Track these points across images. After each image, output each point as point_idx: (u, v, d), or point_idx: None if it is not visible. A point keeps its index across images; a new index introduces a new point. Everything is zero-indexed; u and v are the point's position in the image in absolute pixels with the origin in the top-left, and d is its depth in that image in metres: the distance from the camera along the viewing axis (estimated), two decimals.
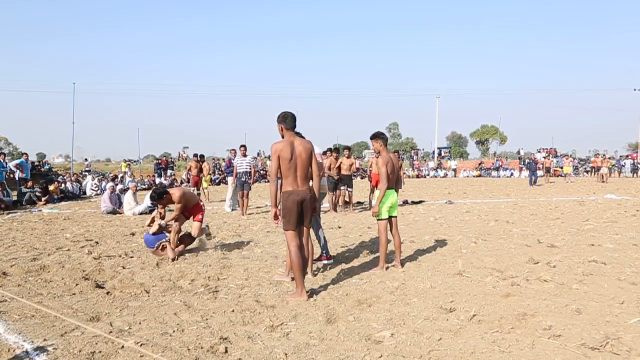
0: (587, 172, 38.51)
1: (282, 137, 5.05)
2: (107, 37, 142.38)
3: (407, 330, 3.96)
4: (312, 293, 5.06)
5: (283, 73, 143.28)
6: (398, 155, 15.25)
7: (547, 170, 29.11)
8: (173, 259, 6.73)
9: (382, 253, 6.05)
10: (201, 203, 7.67)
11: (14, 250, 7.75)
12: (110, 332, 3.95)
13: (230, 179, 13.98)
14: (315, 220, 6.14)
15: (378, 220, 6.08)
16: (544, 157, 36.48)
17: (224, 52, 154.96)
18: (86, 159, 42.48)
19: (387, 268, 6.08)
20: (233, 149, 14.61)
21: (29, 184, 16.53)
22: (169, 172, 31.82)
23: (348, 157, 13.43)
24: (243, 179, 12.59)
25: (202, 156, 18.94)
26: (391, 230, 6.23)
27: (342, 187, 13.16)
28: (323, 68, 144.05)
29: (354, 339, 3.80)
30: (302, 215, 5.00)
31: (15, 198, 15.84)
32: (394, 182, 6.16)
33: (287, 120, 4.99)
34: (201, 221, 7.42)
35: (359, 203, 15.05)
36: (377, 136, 6.16)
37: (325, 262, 6.39)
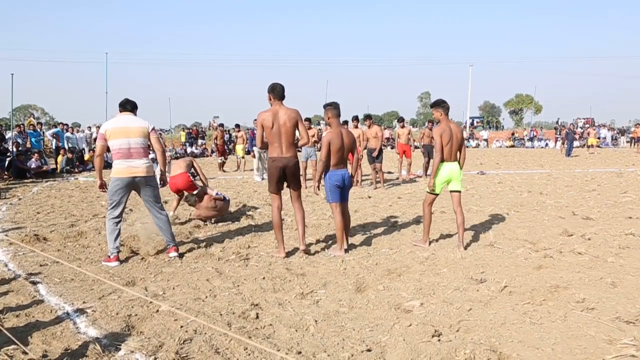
0: (627, 142, 37.11)
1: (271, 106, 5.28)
2: (138, 5, 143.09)
3: (437, 300, 3.96)
4: (343, 262, 5.11)
5: (313, 42, 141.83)
6: (432, 125, 14.79)
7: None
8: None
9: (426, 226, 5.78)
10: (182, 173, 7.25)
11: (53, 216, 8.02)
12: (146, 296, 4.07)
13: (256, 149, 13.89)
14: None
15: (427, 192, 5.72)
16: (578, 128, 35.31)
17: (255, 21, 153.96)
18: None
19: (430, 243, 5.79)
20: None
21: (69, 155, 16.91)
22: (199, 141, 32.15)
23: (370, 127, 12.00)
24: None
25: (237, 125, 19.04)
26: (454, 207, 5.73)
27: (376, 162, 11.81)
28: (353, 37, 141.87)
29: (383, 307, 3.82)
30: (285, 180, 5.36)
31: (53, 166, 16.31)
32: (453, 154, 5.61)
33: (276, 91, 5.24)
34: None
35: (389, 172, 14.96)
36: (437, 104, 5.67)
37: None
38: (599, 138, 33.40)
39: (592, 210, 8.00)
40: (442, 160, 5.57)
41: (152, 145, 5.35)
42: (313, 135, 11.67)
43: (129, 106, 5.37)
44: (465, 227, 5.80)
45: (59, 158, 16.62)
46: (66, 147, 17.80)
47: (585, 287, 4.21)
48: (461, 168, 5.74)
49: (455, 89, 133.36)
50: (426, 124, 15.30)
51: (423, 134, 14.02)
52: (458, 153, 5.71)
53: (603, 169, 16.73)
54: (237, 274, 4.79)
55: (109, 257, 5.17)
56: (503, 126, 56.29)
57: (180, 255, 5.40)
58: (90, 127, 23.73)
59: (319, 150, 5.48)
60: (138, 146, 5.20)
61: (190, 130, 34.44)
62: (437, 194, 5.69)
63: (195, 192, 7.21)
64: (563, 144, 28.57)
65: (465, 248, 5.60)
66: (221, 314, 3.71)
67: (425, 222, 5.81)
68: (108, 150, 5.25)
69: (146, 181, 5.26)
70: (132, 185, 5.22)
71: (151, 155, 6.04)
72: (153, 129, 5.35)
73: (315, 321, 3.54)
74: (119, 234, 5.24)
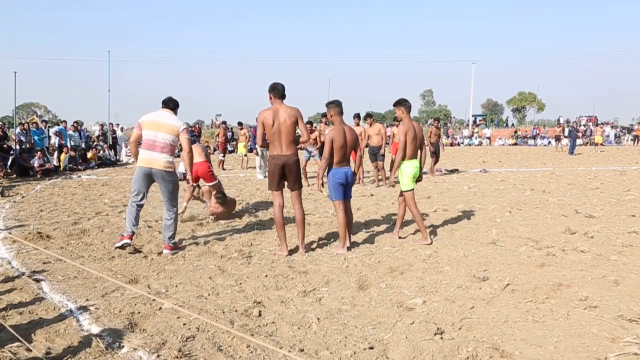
0: (631, 140, 37.08)
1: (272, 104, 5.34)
2: (141, 3, 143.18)
3: (439, 298, 3.96)
4: (345, 259, 5.11)
5: (316, 41, 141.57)
6: (438, 123, 14.80)
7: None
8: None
9: (420, 224, 5.83)
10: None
11: (56, 214, 8.04)
12: (149, 294, 4.08)
13: (258, 147, 13.84)
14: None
15: (405, 192, 5.85)
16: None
17: (258, 19, 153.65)
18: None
19: (431, 241, 5.82)
20: None
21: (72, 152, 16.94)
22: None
23: (371, 125, 11.97)
24: None
25: (240, 123, 19.03)
26: (400, 201, 6.06)
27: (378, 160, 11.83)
28: (355, 34, 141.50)
29: (385, 305, 3.82)
30: (285, 178, 5.38)
31: (56, 164, 16.35)
32: (417, 151, 5.89)
33: (276, 90, 5.31)
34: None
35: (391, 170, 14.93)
36: (399, 103, 5.91)
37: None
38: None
39: (595, 208, 7.98)
40: (408, 158, 5.83)
41: (180, 144, 5.56)
42: (315, 138, 11.61)
43: (170, 104, 5.68)
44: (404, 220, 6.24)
45: (62, 156, 16.68)
46: (69, 145, 17.84)
47: (588, 285, 4.20)
48: (422, 166, 6.03)
49: (458, 87, 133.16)
50: (429, 121, 15.27)
51: (430, 133, 13.92)
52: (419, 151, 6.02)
53: (606, 167, 16.70)
54: (239, 271, 4.79)
55: (122, 235, 5.45)
56: (513, 124, 55.99)
57: (174, 253, 5.44)
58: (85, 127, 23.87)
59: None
60: (163, 141, 5.41)
61: (193, 128, 34.45)
62: (412, 190, 5.87)
63: (213, 183, 7.49)
64: (557, 141, 28.73)
65: (402, 238, 6.00)
66: (224, 312, 3.72)
67: (418, 220, 5.86)
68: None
69: (163, 175, 5.43)
70: (150, 176, 5.45)
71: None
72: (185, 129, 5.52)
73: (318, 319, 3.55)
74: (137, 217, 5.51)
